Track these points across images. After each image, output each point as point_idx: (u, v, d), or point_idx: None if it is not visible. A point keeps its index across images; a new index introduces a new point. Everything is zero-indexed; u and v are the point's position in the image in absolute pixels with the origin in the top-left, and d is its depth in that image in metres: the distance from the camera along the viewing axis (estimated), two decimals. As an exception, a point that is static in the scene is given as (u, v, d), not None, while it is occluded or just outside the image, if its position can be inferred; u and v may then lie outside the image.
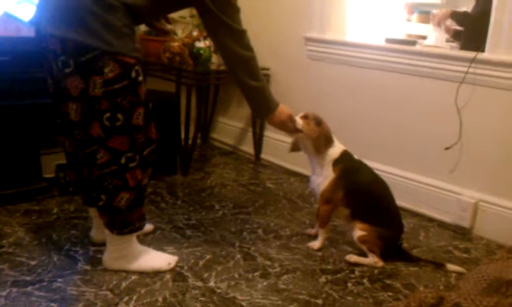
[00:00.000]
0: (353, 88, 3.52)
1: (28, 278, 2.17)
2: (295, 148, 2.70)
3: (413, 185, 3.24)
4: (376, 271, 2.47)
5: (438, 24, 4.07)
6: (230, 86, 4.34)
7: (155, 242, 2.58)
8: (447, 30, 4.20)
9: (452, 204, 3.05)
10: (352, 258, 2.54)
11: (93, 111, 2.07)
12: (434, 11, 5.78)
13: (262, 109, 2.51)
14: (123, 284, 2.19)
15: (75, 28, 1.98)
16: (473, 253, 2.76)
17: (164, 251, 2.47)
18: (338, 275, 2.41)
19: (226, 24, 2.25)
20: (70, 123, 2.18)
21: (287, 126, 2.51)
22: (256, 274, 2.36)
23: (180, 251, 2.50)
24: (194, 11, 4.04)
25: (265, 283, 2.29)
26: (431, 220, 3.15)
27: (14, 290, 2.08)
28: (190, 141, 3.69)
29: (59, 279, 2.18)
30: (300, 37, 3.78)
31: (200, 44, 3.70)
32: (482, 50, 2.93)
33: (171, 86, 3.74)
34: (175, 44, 3.58)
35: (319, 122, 2.56)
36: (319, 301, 2.18)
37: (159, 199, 3.13)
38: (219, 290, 2.20)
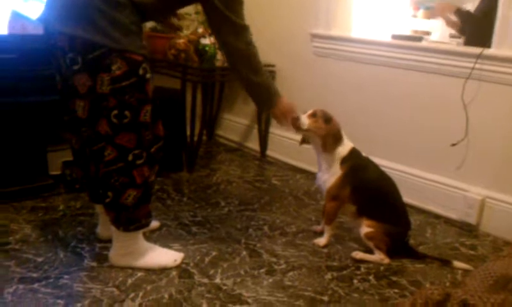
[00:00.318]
0: (359, 84, 3.51)
1: (35, 275, 2.18)
2: (304, 140, 2.69)
3: (419, 181, 3.24)
4: (381, 268, 2.47)
5: (439, 16, 4.06)
6: (236, 82, 4.33)
7: (161, 238, 2.58)
8: (451, 24, 4.18)
9: (459, 201, 3.04)
10: (358, 254, 2.54)
11: (100, 108, 2.08)
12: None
13: (267, 103, 2.51)
14: (129, 281, 2.19)
15: (83, 25, 1.99)
16: (480, 250, 2.75)
17: (170, 247, 2.47)
18: (344, 272, 2.41)
19: (230, 21, 2.25)
20: (77, 120, 2.19)
21: (289, 118, 2.52)
22: (262, 270, 2.37)
23: (186, 248, 2.51)
24: (200, 8, 4.05)
25: (271, 280, 2.29)
26: (437, 217, 3.14)
27: (21, 286, 2.09)
28: (196, 138, 3.70)
29: (66, 276, 2.19)
30: (306, 33, 3.77)
31: (206, 41, 3.70)
32: (489, 46, 2.91)
33: (176, 83, 3.74)
34: (181, 41, 3.59)
35: (327, 120, 2.55)
36: (325, 298, 2.18)
37: (165, 196, 3.13)
38: (225, 287, 2.20)
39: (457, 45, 3.65)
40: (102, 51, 1.99)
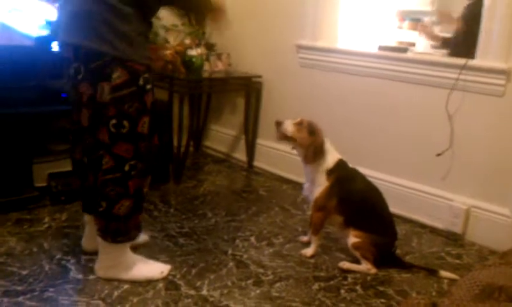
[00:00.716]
0: (345, 95, 3.54)
1: (19, 288, 2.16)
2: (281, 137, 2.60)
3: (405, 191, 3.25)
4: (368, 278, 2.47)
5: (422, 33, 4.15)
6: (223, 93, 4.35)
7: (147, 250, 2.57)
8: (433, 37, 4.25)
9: (444, 210, 3.06)
10: (345, 264, 2.54)
11: (101, 116, 2.10)
12: (426, 19, 5.83)
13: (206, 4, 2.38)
14: (115, 293, 2.18)
15: (86, 35, 2.02)
16: (466, 259, 2.77)
17: (156, 259, 2.46)
18: (331, 283, 2.41)
19: None
20: (81, 129, 2.22)
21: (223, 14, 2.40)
22: (249, 281, 2.36)
23: (172, 259, 2.49)
24: (187, 20, 4.06)
25: (258, 291, 2.28)
26: (423, 226, 3.16)
27: (5, 300, 2.06)
28: (183, 149, 3.69)
29: (51, 289, 2.17)
30: (292, 44, 3.79)
31: (192, 52, 3.71)
32: (472, 57, 2.95)
33: (163, 94, 3.73)
34: (167, 52, 3.59)
35: (312, 131, 2.55)
36: (312, 308, 2.18)
37: (152, 207, 3.12)
38: (212, 299, 2.19)
39: (441, 55, 3.69)
40: (105, 60, 2.02)
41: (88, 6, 2.02)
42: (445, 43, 4.01)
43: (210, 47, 4.10)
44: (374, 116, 3.40)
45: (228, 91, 4.26)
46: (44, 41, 3.04)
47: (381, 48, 3.50)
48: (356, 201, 2.57)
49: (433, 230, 3.11)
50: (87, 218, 2.44)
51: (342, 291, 2.34)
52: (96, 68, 2.05)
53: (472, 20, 3.35)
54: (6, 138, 2.93)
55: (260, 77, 4.01)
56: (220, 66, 4.03)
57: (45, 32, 3.03)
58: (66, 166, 3.10)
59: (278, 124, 2.55)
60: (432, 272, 2.54)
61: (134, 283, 2.25)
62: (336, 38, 3.81)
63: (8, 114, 2.90)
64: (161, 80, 3.67)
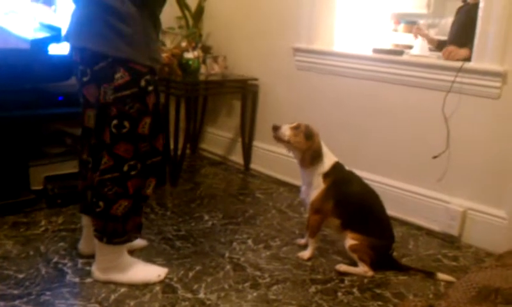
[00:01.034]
0: (341, 98, 3.54)
1: (16, 292, 2.15)
2: (279, 141, 2.60)
3: (401, 193, 3.26)
4: (365, 280, 2.48)
5: (416, 36, 4.17)
6: (219, 96, 4.35)
7: (144, 253, 2.57)
8: (429, 40, 4.27)
9: (441, 212, 3.07)
10: (342, 267, 2.54)
11: (105, 117, 2.12)
12: (421, 22, 5.86)
13: None
14: (112, 296, 2.17)
15: (91, 38, 2.07)
16: (462, 261, 2.78)
17: (153, 262, 2.46)
18: (328, 285, 2.41)
19: None
20: (87, 130, 2.24)
21: None
22: (246, 284, 2.36)
23: (169, 263, 2.49)
24: (183, 22, 4.07)
25: (255, 294, 2.28)
26: (419, 228, 3.17)
27: (1, 303, 2.06)
28: (179, 152, 3.69)
29: (48, 292, 2.16)
30: (288, 47, 3.80)
31: (189, 55, 3.71)
32: (468, 60, 2.97)
33: (160, 97, 3.73)
34: (164, 55, 3.59)
35: (309, 136, 2.55)
36: (310, 311, 2.18)
37: (149, 210, 3.11)
38: (209, 302, 2.19)
39: (437, 58, 3.70)
40: (108, 61, 2.06)
41: (92, 10, 2.07)
42: (440, 45, 4.03)
43: (206, 50, 4.11)
44: (370, 118, 3.40)
45: (224, 94, 4.26)
46: (40, 44, 3.04)
47: (375, 50, 3.51)
48: (352, 204, 2.57)
49: (430, 232, 3.12)
50: (85, 221, 2.44)
51: (339, 293, 2.34)
52: (100, 70, 2.09)
53: (466, 23, 3.36)
54: (2, 141, 2.93)
55: (256, 79, 4.01)
56: (216, 68, 4.03)
57: (40, 34, 3.03)
58: (62, 169, 3.11)
59: (275, 129, 2.56)
60: (429, 275, 2.54)
61: (131, 286, 2.25)
62: (333, 40, 3.82)
63: (4, 117, 2.90)
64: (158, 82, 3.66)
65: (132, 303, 2.13)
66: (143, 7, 2.10)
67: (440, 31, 5.60)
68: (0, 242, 2.56)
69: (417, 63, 3.20)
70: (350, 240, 2.53)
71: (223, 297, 2.24)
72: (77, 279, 2.29)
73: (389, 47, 5.49)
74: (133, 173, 2.16)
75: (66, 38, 2.22)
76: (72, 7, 2.22)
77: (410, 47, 5.01)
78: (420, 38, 4.02)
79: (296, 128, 2.55)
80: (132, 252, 2.45)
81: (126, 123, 2.10)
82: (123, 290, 2.22)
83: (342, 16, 3.97)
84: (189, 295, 2.23)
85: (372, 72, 3.36)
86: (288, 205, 3.41)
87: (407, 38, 5.80)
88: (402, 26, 6.28)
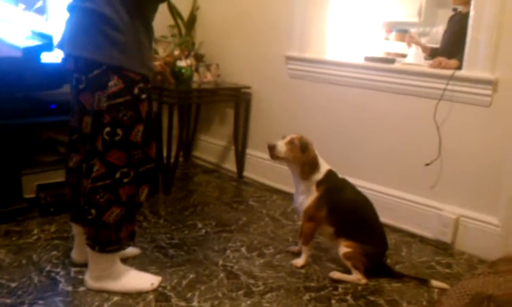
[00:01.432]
0: (334, 106, 3.56)
1: (8, 301, 2.14)
2: (276, 159, 2.61)
3: (394, 201, 3.27)
4: (359, 288, 2.48)
5: (409, 45, 4.21)
6: (212, 104, 4.35)
7: (137, 261, 2.56)
8: (423, 48, 4.30)
9: (434, 219, 3.08)
10: (336, 274, 2.55)
11: (98, 124, 2.13)
12: (412, 30, 5.90)
13: None
14: (105, 305, 2.16)
15: (86, 46, 2.09)
16: (455, 268, 2.79)
17: (146, 270, 2.45)
18: (322, 293, 2.41)
19: None
20: (84, 136, 2.24)
21: None
22: (240, 292, 2.36)
23: (163, 271, 2.48)
24: (176, 31, 4.08)
25: (249, 302, 2.28)
26: (412, 236, 3.18)
27: (-6, 313, 2.05)
28: (172, 160, 3.68)
29: (40, 301, 2.15)
30: (281, 56, 3.82)
31: (182, 63, 3.72)
32: (460, 68, 2.99)
33: (153, 105, 3.73)
34: (157, 63, 3.59)
35: (304, 148, 2.56)
36: (303, 319, 2.18)
37: (142, 218, 3.10)
38: (202, 310, 2.19)
39: (428, 66, 3.73)
40: (102, 69, 2.08)
41: (86, 19, 2.08)
42: (433, 53, 4.06)
43: (199, 58, 4.12)
44: (362, 126, 3.42)
45: (217, 102, 4.27)
46: (32, 52, 3.04)
47: (367, 59, 3.53)
48: (346, 211, 2.58)
49: (423, 239, 3.13)
50: (76, 230, 2.43)
51: (333, 301, 2.34)
52: (94, 77, 2.10)
53: (458, 32, 3.39)
54: (-6, 149, 2.92)
55: (249, 87, 4.02)
56: (209, 77, 4.04)
57: (32, 42, 3.03)
58: (54, 177, 3.09)
59: (271, 148, 2.55)
60: (422, 282, 2.55)
61: (124, 294, 2.24)
62: (325, 49, 3.84)
63: (-4, 126, 2.89)
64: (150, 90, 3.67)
65: (125, 312, 2.13)
66: (136, 15, 2.11)
67: (432, 39, 5.64)
68: (-8, 251, 2.55)
69: (409, 71, 3.22)
70: (344, 248, 2.53)
71: (216, 305, 2.23)
72: (70, 288, 2.27)
73: (381, 55, 5.53)
74: (125, 180, 2.16)
75: (60, 46, 2.23)
76: (65, 15, 2.22)
77: (402, 55, 5.04)
78: (414, 46, 4.05)
79: (290, 143, 2.55)
80: (125, 261, 2.44)
81: (119, 131, 2.11)
82: (116, 298, 2.21)
83: (334, 24, 3.99)
84: (183, 304, 2.22)
85: (364, 80, 3.38)
86: (281, 213, 3.42)
87: (399, 46, 5.84)
88: (393, 34, 6.32)
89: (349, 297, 2.39)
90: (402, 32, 6.08)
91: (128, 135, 2.13)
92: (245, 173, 4.14)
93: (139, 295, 2.25)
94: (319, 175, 2.58)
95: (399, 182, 3.27)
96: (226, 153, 4.30)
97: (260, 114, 4.02)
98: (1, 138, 2.94)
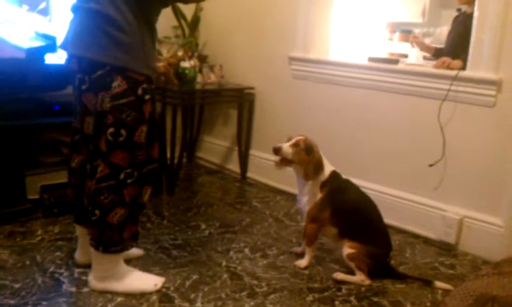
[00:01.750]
0: (337, 106, 3.55)
1: (12, 301, 2.14)
2: (282, 164, 2.61)
3: (397, 202, 3.27)
4: (363, 289, 2.47)
5: (413, 45, 4.21)
6: (215, 105, 4.36)
7: (141, 262, 2.56)
8: (425, 48, 4.29)
9: (437, 220, 3.08)
10: (339, 275, 2.54)
11: (101, 125, 2.13)
12: (416, 31, 5.89)
13: None
14: (109, 306, 2.16)
15: (89, 47, 2.09)
16: (459, 269, 2.78)
17: (150, 271, 2.45)
18: (326, 294, 2.41)
19: None
20: (86, 137, 2.24)
21: None
22: (244, 293, 2.35)
23: (166, 272, 2.48)
24: (179, 32, 4.08)
25: (252, 303, 2.28)
26: (416, 236, 3.17)
27: (-3, 314, 2.05)
28: (176, 161, 3.69)
29: (44, 302, 2.15)
30: (284, 56, 3.81)
31: (185, 64, 3.72)
32: (464, 68, 2.98)
33: (156, 106, 3.73)
34: (160, 64, 3.59)
35: (309, 150, 2.55)
36: (307, 320, 2.18)
37: (145, 219, 3.11)
38: (206, 311, 2.19)
39: (432, 67, 3.73)
40: (106, 70, 2.08)
41: (90, 19, 2.08)
42: (437, 53, 4.06)
43: (202, 59, 4.12)
44: (366, 126, 3.41)
45: (220, 103, 4.27)
46: (35, 53, 3.04)
47: (370, 59, 3.53)
48: (349, 212, 2.58)
49: (426, 240, 3.12)
50: (79, 231, 2.43)
51: (336, 302, 2.34)
52: (98, 78, 2.10)
53: (463, 33, 3.38)
54: (-2, 150, 2.93)
55: (252, 88, 4.02)
56: (213, 77, 4.05)
57: (36, 43, 3.03)
58: (58, 178, 3.10)
59: (276, 151, 2.55)
60: (426, 283, 2.54)
61: (128, 295, 2.24)
62: (328, 49, 3.84)
63: (0, 126, 2.89)
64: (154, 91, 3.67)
65: (128, 313, 2.13)
66: (140, 16, 2.11)
67: (435, 39, 5.64)
68: (-4, 252, 2.56)
69: (413, 72, 3.21)
70: (347, 249, 2.53)
71: (220, 306, 2.23)
72: (73, 289, 2.28)
73: (384, 55, 5.52)
74: (129, 181, 2.16)
75: (64, 47, 2.24)
76: (69, 16, 2.23)
77: (406, 56, 5.04)
78: (415, 48, 4.05)
79: (296, 146, 2.55)
80: (128, 262, 2.45)
81: (123, 131, 2.11)
82: (119, 299, 2.22)
83: (338, 25, 3.99)
84: (186, 305, 2.22)
85: (367, 81, 3.37)
86: (285, 214, 3.41)
87: (402, 47, 5.83)
88: (397, 35, 6.32)
89: (352, 298, 2.38)
90: (406, 32, 6.08)
91: (132, 135, 2.13)
92: (248, 174, 4.14)
93: (143, 295, 2.26)
94: (323, 176, 2.57)
95: (402, 183, 3.26)
96: (229, 154, 4.30)
97: (264, 114, 4.02)
98: (5, 139, 2.94)
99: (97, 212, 2.15)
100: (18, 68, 3.00)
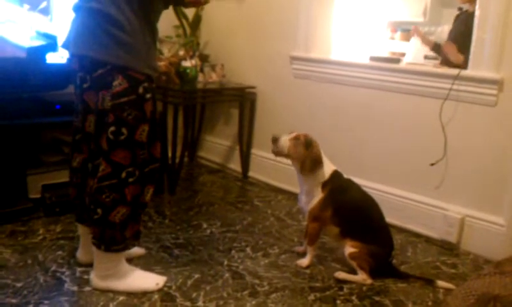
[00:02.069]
0: (339, 106, 3.55)
1: (14, 300, 2.14)
2: (278, 154, 2.61)
3: (399, 201, 3.26)
4: (364, 288, 2.47)
5: (413, 35, 4.21)
6: (217, 104, 4.36)
7: (142, 261, 2.56)
8: (427, 42, 4.29)
9: (439, 219, 3.07)
10: (341, 274, 2.54)
11: (102, 124, 2.13)
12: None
13: None
14: (111, 305, 2.17)
15: (90, 46, 2.10)
16: (461, 268, 2.78)
17: (152, 270, 2.45)
18: (327, 293, 2.41)
19: None
20: (88, 136, 2.24)
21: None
22: (245, 292, 2.35)
23: (168, 271, 2.49)
24: (181, 31, 4.08)
25: (254, 302, 2.28)
26: (418, 236, 3.17)
27: (-1, 313, 2.06)
28: (177, 160, 3.69)
29: (46, 301, 2.15)
30: (286, 56, 3.81)
31: (187, 63, 3.72)
32: (465, 68, 2.98)
33: (157, 105, 3.73)
34: (162, 63, 3.60)
35: (308, 145, 2.55)
36: (308, 319, 2.18)
37: (147, 218, 3.11)
38: (207, 310, 2.19)
39: (433, 66, 3.73)
40: (107, 68, 2.09)
41: (91, 19, 2.09)
42: (435, 47, 4.07)
43: (204, 58, 4.12)
44: (367, 126, 3.41)
45: (222, 102, 4.27)
46: (36, 52, 3.04)
47: (372, 58, 3.52)
48: (351, 212, 2.57)
49: (428, 240, 3.12)
50: (81, 230, 2.44)
51: (338, 301, 2.34)
52: (99, 77, 2.11)
53: (464, 32, 3.38)
54: (0, 149, 2.93)
55: (254, 87, 4.02)
56: (214, 77, 4.05)
57: (37, 43, 3.04)
58: (60, 178, 3.10)
59: (275, 140, 2.55)
60: (428, 282, 2.54)
61: (130, 294, 2.24)
62: (330, 49, 3.84)
63: (2, 126, 2.90)
64: (155, 90, 3.67)
65: (130, 312, 2.13)
66: (141, 16, 2.11)
67: (437, 38, 5.62)
68: (-2, 251, 2.56)
69: (414, 71, 3.21)
70: (349, 248, 2.53)
71: (221, 305, 2.23)
72: (75, 288, 2.28)
73: (386, 55, 5.52)
74: (131, 179, 2.16)
75: (66, 46, 2.24)
76: (70, 15, 2.23)
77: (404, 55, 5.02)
78: (414, 40, 4.04)
79: (295, 139, 2.55)
80: (130, 261, 2.45)
81: (124, 130, 2.11)
82: (121, 298, 2.22)
83: (339, 24, 3.99)
84: (188, 304, 2.22)
85: (369, 80, 3.37)
86: (286, 213, 3.41)
87: (404, 46, 5.83)
88: (399, 34, 6.31)
89: (354, 298, 2.38)
90: (408, 31, 6.07)
91: (133, 134, 2.13)
92: (250, 173, 4.14)
93: (145, 295, 2.26)
94: (325, 174, 2.57)
95: (404, 182, 3.26)
96: (231, 153, 4.30)
97: (265, 114, 4.02)
98: (6, 138, 2.95)
99: (99, 210, 2.15)
100: (20, 68, 3.01)
